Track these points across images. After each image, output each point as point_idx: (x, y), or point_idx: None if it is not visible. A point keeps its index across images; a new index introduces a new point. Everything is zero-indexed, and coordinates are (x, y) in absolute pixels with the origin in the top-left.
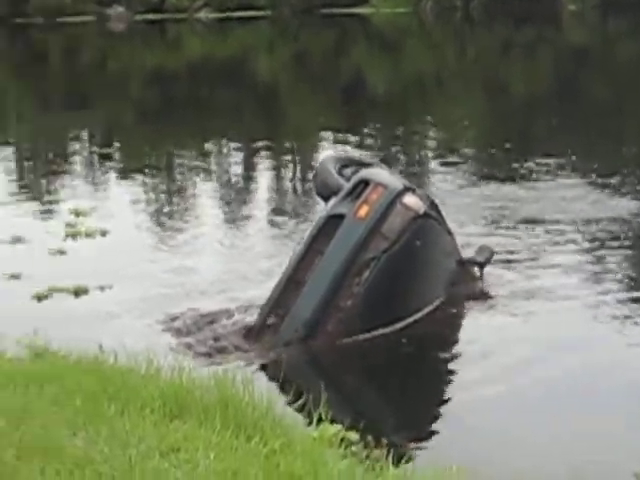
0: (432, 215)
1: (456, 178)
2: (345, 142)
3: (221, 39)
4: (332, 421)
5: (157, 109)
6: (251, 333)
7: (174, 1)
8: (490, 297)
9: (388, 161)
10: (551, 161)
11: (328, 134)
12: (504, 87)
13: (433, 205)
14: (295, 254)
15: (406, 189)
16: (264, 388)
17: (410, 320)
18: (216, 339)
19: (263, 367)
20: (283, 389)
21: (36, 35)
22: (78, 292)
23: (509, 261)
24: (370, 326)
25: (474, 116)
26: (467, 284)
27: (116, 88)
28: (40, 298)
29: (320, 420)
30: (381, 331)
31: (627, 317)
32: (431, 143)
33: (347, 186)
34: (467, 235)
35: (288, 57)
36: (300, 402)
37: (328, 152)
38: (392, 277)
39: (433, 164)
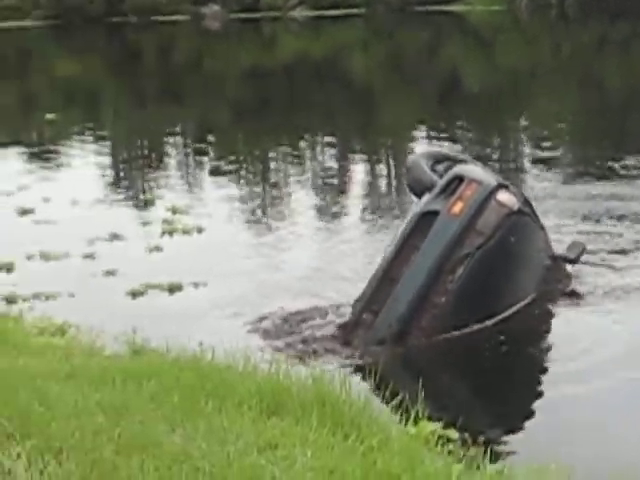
0: (526, 211)
1: (551, 175)
2: (440, 139)
3: (315, 37)
4: (429, 419)
5: (252, 107)
6: (345, 329)
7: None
8: (582, 294)
9: (483, 158)
10: None
11: (423, 132)
12: (600, 83)
13: (526, 201)
14: (389, 250)
15: (500, 185)
16: (360, 387)
17: (503, 316)
18: (306, 340)
19: (358, 366)
20: (379, 388)
21: (131, 34)
22: (172, 289)
23: (604, 259)
24: (463, 323)
25: (570, 112)
26: (559, 281)
27: (211, 86)
28: (135, 294)
29: (417, 418)
30: (474, 327)
31: None
32: (526, 139)
33: (441, 182)
34: (561, 232)
35: (382, 55)
36: (396, 400)
37: (421, 149)
38: (486, 273)
39: (528, 161)
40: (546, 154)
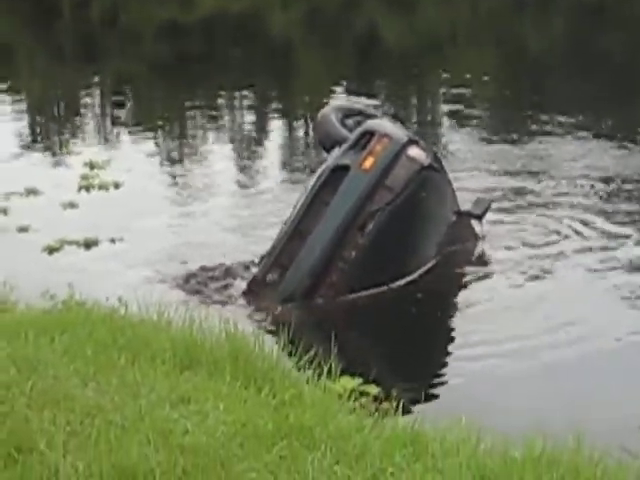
0: (436, 167)
1: (468, 133)
2: (359, 94)
3: None
4: (341, 374)
5: (169, 63)
6: (253, 284)
7: None
8: (488, 256)
9: (401, 115)
10: (562, 118)
11: (341, 87)
12: (518, 43)
13: (436, 157)
14: (299, 205)
15: (410, 141)
16: (273, 343)
17: (413, 276)
18: (216, 295)
19: (272, 322)
20: (292, 343)
21: None
22: (89, 244)
23: (512, 213)
24: (373, 279)
25: (487, 72)
26: (467, 240)
27: (128, 42)
28: (51, 250)
29: (329, 373)
30: (384, 288)
31: (631, 278)
32: (443, 97)
33: (351, 137)
34: (473, 190)
35: (302, 12)
36: (309, 356)
37: (330, 102)
38: (396, 229)
39: (446, 119)
40: (464, 113)
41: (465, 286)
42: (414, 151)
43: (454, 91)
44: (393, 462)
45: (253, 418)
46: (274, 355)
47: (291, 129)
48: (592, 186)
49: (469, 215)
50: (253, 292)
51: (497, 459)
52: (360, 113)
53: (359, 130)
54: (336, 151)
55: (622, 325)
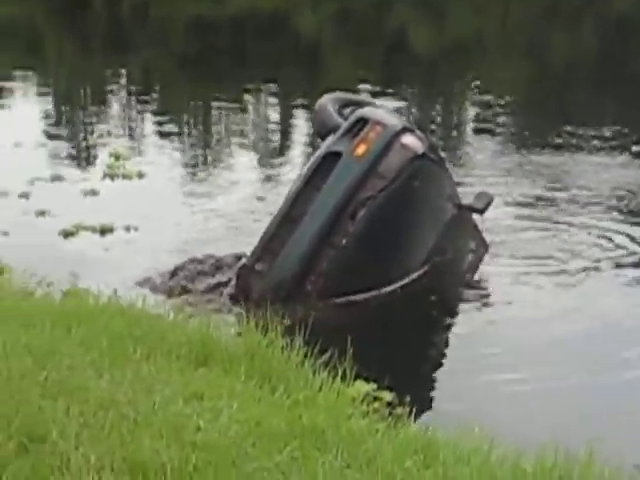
0: (431, 157)
1: (490, 141)
2: (384, 96)
3: None
4: (355, 378)
5: (198, 58)
6: (244, 270)
7: None
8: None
9: (425, 120)
10: (587, 130)
11: (367, 88)
12: (546, 54)
13: (432, 147)
14: (292, 190)
15: (405, 129)
16: (289, 343)
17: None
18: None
19: (289, 322)
20: (308, 344)
21: None
22: (104, 231)
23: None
24: (365, 268)
25: (513, 81)
26: (471, 242)
27: (157, 36)
28: (66, 235)
29: (344, 377)
30: (387, 289)
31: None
32: (469, 105)
33: (345, 124)
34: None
35: (332, 12)
36: (324, 358)
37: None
38: (388, 217)
39: (469, 127)
40: (488, 121)
41: (482, 293)
42: (408, 139)
43: (480, 98)
44: (404, 468)
45: (266, 417)
46: (290, 356)
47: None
48: (613, 198)
49: (470, 209)
50: (243, 279)
51: (508, 470)
52: (358, 103)
53: (353, 117)
54: (330, 138)
55: (635, 340)
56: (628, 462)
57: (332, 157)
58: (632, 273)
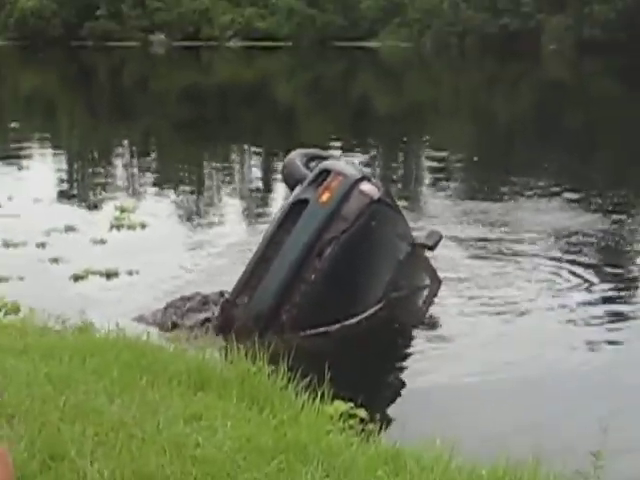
0: (386, 201)
1: (444, 190)
2: (352, 153)
3: (247, 64)
4: (333, 398)
5: (190, 122)
6: (226, 305)
7: (208, 31)
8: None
9: (388, 172)
10: (526, 180)
11: (338, 147)
12: (490, 115)
13: (387, 193)
14: (266, 233)
15: (363, 178)
16: (274, 369)
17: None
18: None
19: (274, 350)
20: (291, 370)
21: (87, 56)
22: (110, 275)
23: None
24: (333, 299)
25: (462, 140)
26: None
27: (155, 103)
28: (77, 278)
29: (323, 397)
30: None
31: (582, 320)
32: (425, 159)
33: (311, 175)
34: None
35: (304, 82)
36: (305, 382)
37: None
38: (350, 254)
39: (426, 176)
40: (442, 172)
41: (439, 321)
42: (366, 186)
43: (435, 153)
44: (376, 476)
45: (256, 435)
46: (275, 380)
47: None
48: (552, 237)
49: (422, 246)
50: (226, 312)
51: (466, 476)
52: (321, 157)
53: (317, 169)
54: (298, 188)
55: (579, 355)
56: (571, 466)
57: (300, 204)
58: (572, 301)
